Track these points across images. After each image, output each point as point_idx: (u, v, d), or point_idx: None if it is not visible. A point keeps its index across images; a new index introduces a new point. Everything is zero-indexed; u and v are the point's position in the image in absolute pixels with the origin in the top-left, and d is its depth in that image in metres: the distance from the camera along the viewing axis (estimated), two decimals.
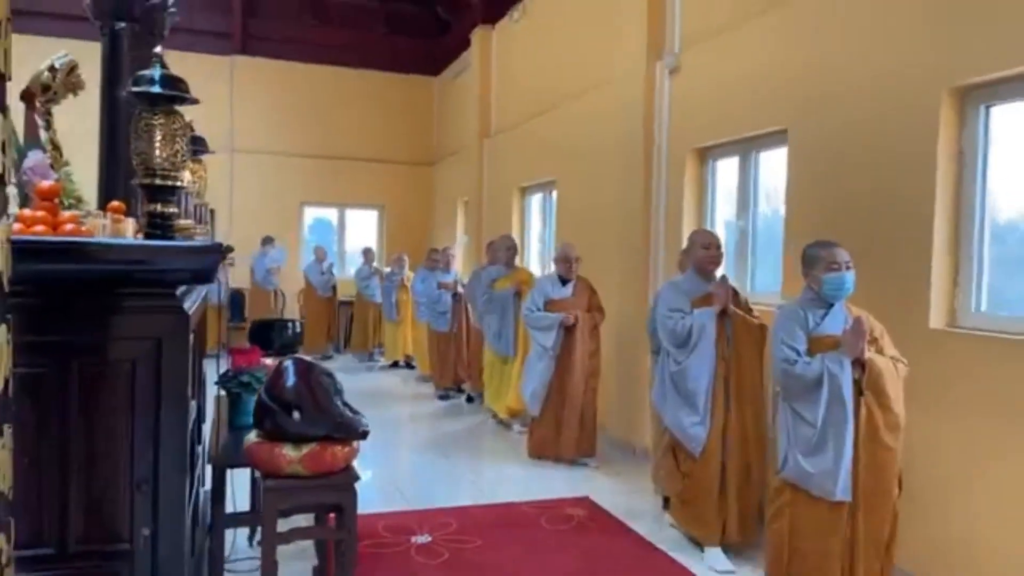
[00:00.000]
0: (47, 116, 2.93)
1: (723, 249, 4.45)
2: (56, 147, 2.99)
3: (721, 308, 4.10)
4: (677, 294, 4.29)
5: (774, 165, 4.95)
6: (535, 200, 9.07)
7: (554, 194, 8.29)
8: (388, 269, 10.82)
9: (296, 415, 2.17)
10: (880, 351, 3.29)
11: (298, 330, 4.16)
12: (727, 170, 5.50)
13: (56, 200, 2.37)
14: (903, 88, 3.78)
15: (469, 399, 8.17)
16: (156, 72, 2.34)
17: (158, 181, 2.33)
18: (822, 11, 4.34)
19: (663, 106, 5.90)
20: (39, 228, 2.18)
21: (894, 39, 3.85)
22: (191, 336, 2.58)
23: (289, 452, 2.19)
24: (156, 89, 2.32)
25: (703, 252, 4.33)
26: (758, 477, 4.05)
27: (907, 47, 3.78)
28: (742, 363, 4.09)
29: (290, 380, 2.23)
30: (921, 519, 3.56)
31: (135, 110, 2.38)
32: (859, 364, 3.20)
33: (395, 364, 10.49)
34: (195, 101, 2.40)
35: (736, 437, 4.03)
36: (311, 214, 13.19)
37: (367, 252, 11.41)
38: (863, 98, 4.03)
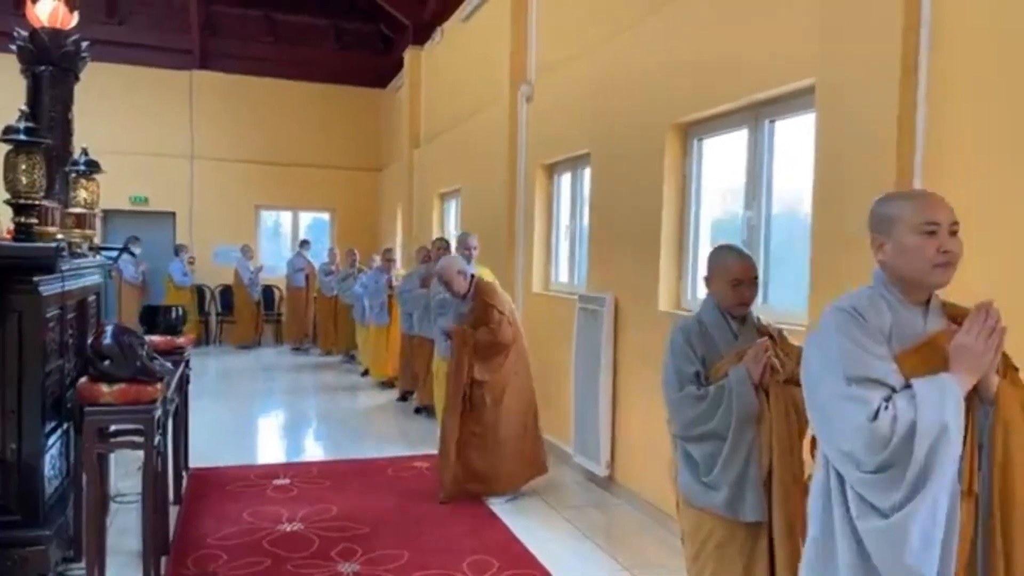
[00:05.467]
0: None
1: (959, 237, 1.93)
2: None
3: (978, 376, 1.76)
4: (864, 337, 1.80)
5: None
6: (452, 205, 10.09)
7: (460, 201, 9.32)
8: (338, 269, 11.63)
9: (107, 363, 3.19)
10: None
11: (180, 314, 5.12)
12: (567, 183, 6.52)
13: None
14: (647, 122, 4.80)
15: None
16: (22, 124, 3.35)
17: (22, 200, 3.34)
18: (615, 58, 5.34)
19: (522, 127, 6.93)
20: None
21: (643, 83, 4.88)
22: (57, 310, 3.58)
23: (104, 388, 3.20)
24: (21, 137, 3.33)
25: (916, 239, 1.81)
26: None
27: (649, 90, 4.80)
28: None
29: (107, 339, 3.24)
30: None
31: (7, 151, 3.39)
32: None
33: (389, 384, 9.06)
34: (48, 142, 3.42)
35: None
36: (304, 218, 14.28)
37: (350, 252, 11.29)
38: (628, 128, 5.05)
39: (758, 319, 2.83)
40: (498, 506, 4.85)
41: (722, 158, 4.49)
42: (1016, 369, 1.87)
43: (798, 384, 2.43)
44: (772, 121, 3.92)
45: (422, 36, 11.11)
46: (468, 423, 5.02)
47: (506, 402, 5.03)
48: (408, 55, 11.42)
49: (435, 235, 10.03)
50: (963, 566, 1.73)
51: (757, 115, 3.98)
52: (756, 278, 2.76)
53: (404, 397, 8.24)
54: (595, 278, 5.54)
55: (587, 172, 5.98)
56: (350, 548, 4.05)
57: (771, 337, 2.71)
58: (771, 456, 2.59)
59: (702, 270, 4.66)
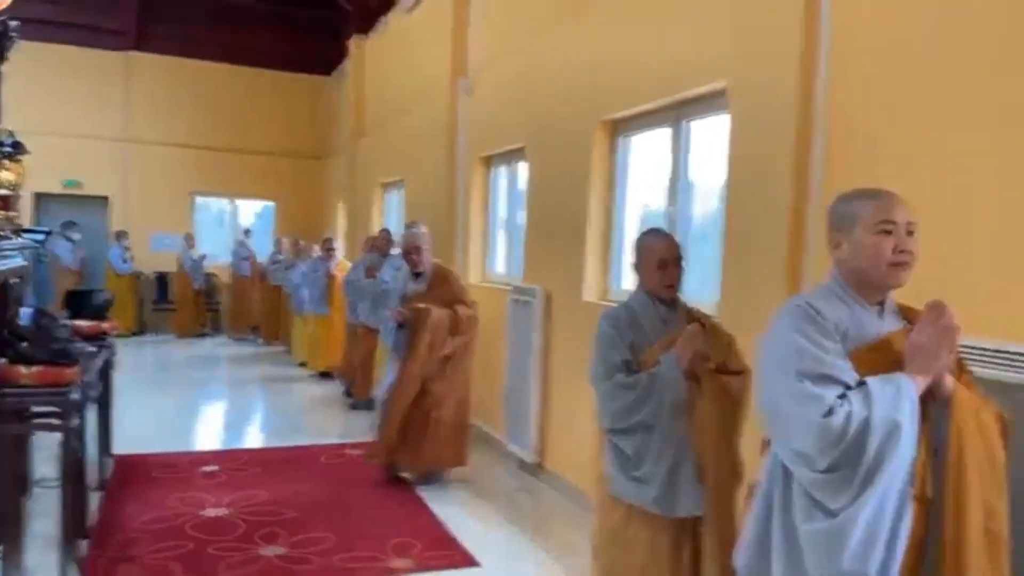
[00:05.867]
0: None
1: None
2: None
3: (932, 375, 1.75)
4: (818, 333, 1.78)
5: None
6: (394, 196, 10.11)
7: (402, 192, 9.35)
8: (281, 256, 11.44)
9: (24, 344, 3.17)
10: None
11: (106, 299, 5.08)
12: (504, 176, 6.62)
13: None
14: (577, 118, 4.92)
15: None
16: None
17: None
18: (547, 54, 5.45)
19: (461, 119, 7.00)
20: None
21: (573, 80, 5.00)
22: None
23: (22, 369, 3.19)
24: None
25: (873, 238, 1.81)
26: None
27: (579, 87, 4.93)
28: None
29: (24, 321, 3.23)
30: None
31: None
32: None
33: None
34: None
35: None
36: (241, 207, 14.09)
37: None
38: (560, 123, 5.17)
39: (687, 305, 2.83)
40: (427, 492, 4.93)
41: (647, 155, 4.64)
42: (970, 372, 1.90)
43: (729, 372, 2.61)
44: (691, 121, 4.08)
45: (367, 25, 11.06)
46: (417, 396, 5.00)
47: (458, 384, 5.12)
48: (353, 44, 11.37)
49: (376, 226, 10.04)
50: (909, 570, 1.68)
51: (678, 115, 4.13)
52: (680, 258, 2.73)
53: (350, 391, 7.81)
54: (529, 270, 5.65)
55: (522, 165, 6.09)
56: (275, 532, 4.10)
57: (701, 324, 2.67)
58: (702, 447, 2.53)
59: (627, 263, 4.84)
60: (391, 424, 5.03)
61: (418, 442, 5.01)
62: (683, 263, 2.75)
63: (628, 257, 4.77)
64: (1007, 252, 2.35)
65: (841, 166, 2.93)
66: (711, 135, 3.98)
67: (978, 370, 2.10)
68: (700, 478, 2.56)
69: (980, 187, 2.43)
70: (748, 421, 2.61)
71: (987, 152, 2.41)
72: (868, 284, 1.82)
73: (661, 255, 2.70)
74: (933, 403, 1.73)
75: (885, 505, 1.63)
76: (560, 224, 5.15)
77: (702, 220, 4.17)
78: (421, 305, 5.06)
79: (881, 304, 1.85)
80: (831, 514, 1.66)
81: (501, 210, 6.71)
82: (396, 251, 7.02)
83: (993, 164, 2.39)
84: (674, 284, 2.73)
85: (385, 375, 5.35)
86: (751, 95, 3.24)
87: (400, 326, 5.10)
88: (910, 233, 1.78)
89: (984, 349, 2.28)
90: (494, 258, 6.82)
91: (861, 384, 1.69)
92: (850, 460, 1.63)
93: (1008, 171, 2.35)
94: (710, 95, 3.79)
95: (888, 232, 1.77)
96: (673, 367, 2.55)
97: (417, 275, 5.24)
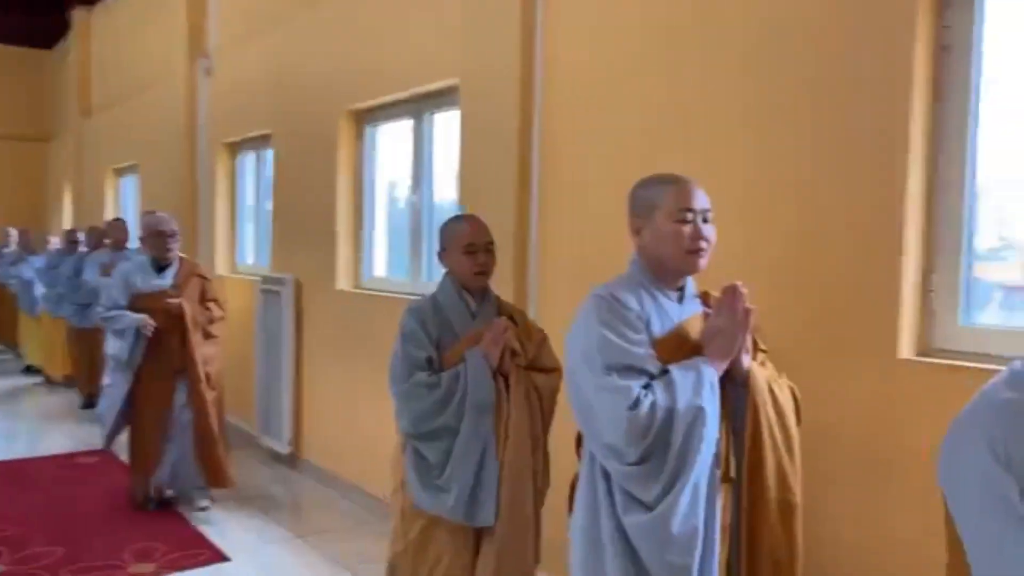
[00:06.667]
0: None
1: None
2: None
3: (730, 357, 1.86)
4: (622, 324, 1.81)
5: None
6: (129, 182, 9.36)
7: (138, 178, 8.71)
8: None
9: None
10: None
11: None
12: (251, 163, 6.43)
13: None
14: (323, 107, 4.94)
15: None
16: None
17: None
18: (293, 39, 5.36)
19: (201, 103, 6.68)
20: None
21: (319, 68, 5.01)
22: None
23: None
24: None
25: (671, 226, 1.86)
26: None
27: (324, 75, 4.95)
28: None
29: None
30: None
31: None
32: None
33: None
34: None
35: None
36: None
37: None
38: (307, 111, 5.15)
39: (499, 298, 2.62)
40: (173, 493, 4.71)
41: (394, 145, 4.77)
42: (765, 351, 1.95)
43: (540, 370, 2.45)
44: (432, 113, 4.28)
45: None
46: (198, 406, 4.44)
47: (216, 391, 4.61)
48: (76, 16, 10.33)
49: (111, 214, 9.24)
50: (724, 553, 1.74)
51: (420, 107, 4.31)
52: (491, 243, 2.52)
53: (90, 403, 6.86)
54: (278, 259, 5.56)
55: (270, 153, 5.96)
56: None
57: (511, 317, 2.50)
58: (508, 450, 2.34)
59: (378, 251, 4.96)
60: (148, 443, 4.43)
61: (205, 456, 4.42)
62: (494, 248, 2.53)
63: (379, 244, 4.93)
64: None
65: (557, 162, 3.26)
66: (452, 128, 4.19)
67: None
68: (500, 484, 2.36)
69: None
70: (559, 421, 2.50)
71: (680, 147, 2.80)
72: (667, 270, 1.85)
73: (469, 239, 2.47)
74: (732, 384, 1.80)
75: (699, 492, 1.67)
76: (309, 212, 5.14)
77: (447, 210, 4.38)
78: (173, 300, 4.42)
79: (681, 290, 1.89)
80: (646, 506, 1.68)
81: (249, 198, 6.52)
82: (134, 245, 6.54)
83: (687, 157, 2.78)
84: (485, 271, 2.50)
85: (110, 388, 4.64)
86: (478, 93, 3.49)
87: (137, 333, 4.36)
88: (706, 220, 1.82)
89: None
90: (244, 248, 6.61)
91: (664, 372, 1.73)
92: (658, 451, 1.66)
93: (699, 164, 2.77)
94: (448, 90, 4.00)
95: (686, 220, 1.79)
96: (479, 364, 2.36)
97: (161, 268, 4.51)
